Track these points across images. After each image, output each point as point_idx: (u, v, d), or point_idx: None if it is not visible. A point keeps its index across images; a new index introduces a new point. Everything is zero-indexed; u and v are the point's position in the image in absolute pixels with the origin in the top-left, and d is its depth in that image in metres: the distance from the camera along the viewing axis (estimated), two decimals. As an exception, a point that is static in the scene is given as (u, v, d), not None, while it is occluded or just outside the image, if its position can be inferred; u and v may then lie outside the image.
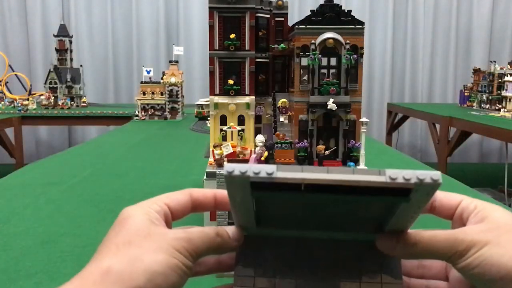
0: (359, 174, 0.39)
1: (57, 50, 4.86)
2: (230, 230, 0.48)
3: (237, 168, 0.39)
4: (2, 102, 4.96)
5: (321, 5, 1.22)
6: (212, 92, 1.28)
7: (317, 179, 0.39)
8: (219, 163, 1.21)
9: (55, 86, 4.67)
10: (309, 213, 0.46)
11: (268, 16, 1.32)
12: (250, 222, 0.48)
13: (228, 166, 0.40)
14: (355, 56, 1.20)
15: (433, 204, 0.48)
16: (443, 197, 0.49)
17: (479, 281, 0.42)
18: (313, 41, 1.21)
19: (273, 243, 0.50)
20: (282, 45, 1.32)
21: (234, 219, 0.48)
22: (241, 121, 1.30)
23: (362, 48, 1.22)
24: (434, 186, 0.39)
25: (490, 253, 0.41)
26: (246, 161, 1.19)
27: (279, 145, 1.24)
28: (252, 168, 0.39)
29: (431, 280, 0.50)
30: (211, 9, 1.24)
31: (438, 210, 0.49)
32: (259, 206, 0.45)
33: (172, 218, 0.47)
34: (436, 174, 0.38)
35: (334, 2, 1.22)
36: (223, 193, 0.49)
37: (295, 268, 0.49)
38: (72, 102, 4.72)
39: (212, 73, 1.27)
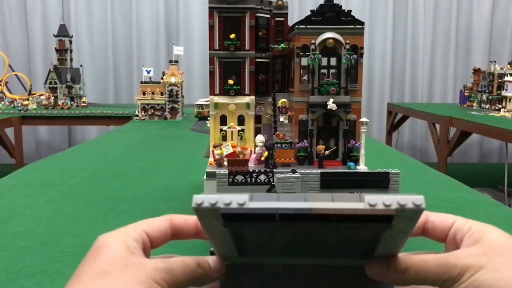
0: (338, 201, 0.37)
1: (57, 50, 4.86)
2: (212, 260, 0.45)
3: (206, 200, 0.37)
4: (2, 102, 4.96)
5: (321, 5, 1.22)
6: (212, 92, 1.28)
7: (292, 209, 0.37)
8: (219, 163, 1.21)
9: (55, 86, 4.67)
10: (290, 241, 0.43)
11: (268, 16, 1.32)
12: (231, 252, 0.45)
13: (197, 198, 0.38)
14: (355, 56, 1.20)
15: (425, 226, 0.46)
16: (435, 218, 0.47)
17: None
18: (313, 41, 1.21)
19: (257, 271, 0.47)
20: (282, 45, 1.32)
21: (214, 249, 0.46)
22: (241, 121, 1.30)
23: (362, 48, 1.22)
24: (417, 211, 0.36)
25: (485, 278, 0.39)
26: (246, 161, 1.19)
27: (279, 145, 1.24)
28: (223, 199, 0.37)
29: None
30: (211, 9, 1.24)
31: (431, 233, 0.47)
32: (236, 236, 0.43)
33: (151, 246, 0.45)
34: (419, 199, 0.36)
35: (334, 2, 1.22)
36: None
37: None
38: (72, 102, 4.72)
39: (212, 73, 1.27)
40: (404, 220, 0.38)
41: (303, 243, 0.44)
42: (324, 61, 1.22)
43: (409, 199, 0.36)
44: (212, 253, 0.47)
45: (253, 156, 1.23)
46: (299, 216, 0.37)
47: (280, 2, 1.34)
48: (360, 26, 1.21)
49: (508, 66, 4.31)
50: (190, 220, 0.47)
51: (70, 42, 4.92)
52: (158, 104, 3.90)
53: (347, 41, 1.20)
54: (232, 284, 0.47)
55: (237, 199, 0.37)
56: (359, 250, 0.44)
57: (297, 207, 0.37)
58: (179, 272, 0.41)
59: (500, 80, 4.34)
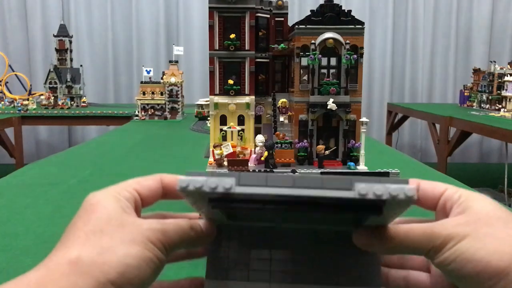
0: (328, 188, 0.36)
1: (57, 50, 4.86)
2: (203, 223, 0.45)
3: (192, 184, 0.37)
4: (2, 102, 4.96)
5: (321, 5, 1.22)
6: (212, 92, 1.28)
7: (279, 195, 0.36)
8: (219, 163, 1.21)
9: (55, 86, 4.67)
10: (280, 216, 0.44)
11: (268, 16, 1.32)
12: (219, 219, 0.45)
13: (182, 181, 0.37)
14: (355, 56, 1.20)
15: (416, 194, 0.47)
16: (427, 186, 0.46)
17: (455, 277, 0.40)
18: (313, 41, 1.21)
19: (246, 235, 0.47)
20: (282, 45, 1.32)
21: (202, 216, 0.46)
22: (241, 121, 1.30)
23: (362, 48, 1.22)
24: (409, 201, 0.36)
25: (467, 248, 0.39)
26: (246, 161, 1.19)
27: (279, 145, 1.24)
28: (209, 183, 0.37)
29: (412, 270, 0.48)
30: (211, 9, 1.24)
31: (421, 200, 0.46)
32: (225, 211, 0.43)
33: (142, 205, 0.44)
34: (411, 189, 0.36)
35: (334, 2, 1.23)
36: None
37: (269, 261, 0.46)
38: (72, 102, 4.72)
39: (212, 73, 1.27)
40: (394, 208, 0.38)
41: (293, 218, 0.44)
42: (324, 61, 1.23)
43: (401, 190, 0.36)
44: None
45: (253, 156, 1.23)
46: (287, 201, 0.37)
47: (280, 2, 1.34)
48: (360, 26, 1.21)
49: (508, 66, 4.31)
50: None
51: (70, 42, 4.92)
52: (158, 104, 3.90)
53: (347, 41, 1.20)
54: (222, 245, 0.47)
55: (223, 184, 0.37)
56: (348, 222, 0.44)
57: (285, 194, 0.37)
58: (173, 234, 0.41)
59: (500, 80, 4.34)
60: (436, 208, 0.46)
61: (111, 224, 0.39)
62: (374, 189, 0.36)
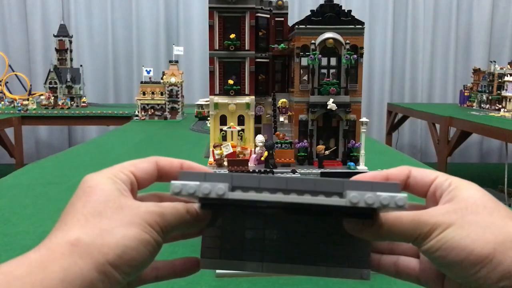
0: (320, 194, 0.37)
1: (57, 50, 4.86)
2: (198, 207, 0.46)
3: (184, 189, 0.38)
4: (2, 102, 4.96)
5: (321, 5, 1.22)
6: (212, 92, 1.28)
7: (271, 202, 0.37)
8: (219, 163, 1.21)
9: (55, 86, 4.67)
10: (274, 213, 0.45)
11: (268, 16, 1.32)
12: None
13: (174, 186, 0.38)
14: (355, 56, 1.20)
15: (407, 181, 0.47)
16: (418, 174, 0.47)
17: (441, 264, 0.41)
18: (313, 41, 1.21)
19: (240, 215, 0.48)
20: (282, 45, 1.32)
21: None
22: (241, 121, 1.30)
23: (362, 48, 1.22)
24: (400, 209, 0.38)
25: (452, 236, 0.40)
26: (246, 161, 1.19)
27: (279, 145, 1.24)
28: (202, 189, 0.37)
29: (402, 256, 0.49)
30: (211, 9, 1.24)
31: (412, 188, 0.47)
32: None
33: (138, 187, 0.45)
34: (402, 199, 0.37)
35: (334, 2, 1.23)
36: (190, 164, 0.47)
37: (263, 241, 0.47)
38: (72, 102, 4.71)
39: (212, 73, 1.27)
40: (386, 211, 0.39)
41: (286, 217, 0.46)
42: (324, 61, 1.23)
43: (392, 199, 0.36)
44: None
45: (253, 156, 1.23)
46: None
47: (280, 2, 1.34)
48: (360, 26, 1.21)
49: (508, 66, 4.31)
50: (175, 162, 0.47)
51: (70, 42, 4.92)
52: (158, 104, 3.90)
53: (347, 41, 1.20)
54: (216, 228, 0.48)
55: (216, 190, 0.37)
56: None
57: (277, 201, 0.37)
58: (170, 217, 0.42)
59: (500, 80, 4.34)
60: (426, 195, 0.47)
61: (109, 207, 0.40)
62: (365, 197, 0.36)
